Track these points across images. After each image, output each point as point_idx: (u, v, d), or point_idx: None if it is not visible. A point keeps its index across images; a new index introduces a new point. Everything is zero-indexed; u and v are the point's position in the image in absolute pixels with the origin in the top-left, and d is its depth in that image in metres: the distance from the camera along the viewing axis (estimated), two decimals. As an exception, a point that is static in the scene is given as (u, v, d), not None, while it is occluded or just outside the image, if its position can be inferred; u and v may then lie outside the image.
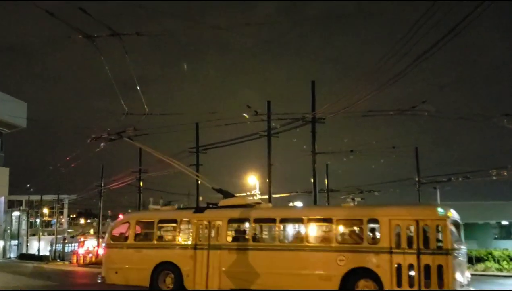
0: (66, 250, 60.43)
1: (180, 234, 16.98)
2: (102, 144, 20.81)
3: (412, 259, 13.33)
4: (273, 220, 15.67)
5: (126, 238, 17.49)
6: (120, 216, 18.90)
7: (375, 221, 14.17)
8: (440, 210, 14.00)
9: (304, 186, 45.40)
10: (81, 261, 46.65)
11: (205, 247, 16.08)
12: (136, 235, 17.47)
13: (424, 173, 39.87)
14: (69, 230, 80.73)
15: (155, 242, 17.03)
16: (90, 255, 47.13)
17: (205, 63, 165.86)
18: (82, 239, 51.92)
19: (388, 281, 13.32)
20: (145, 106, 19.14)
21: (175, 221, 17.20)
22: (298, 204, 61.25)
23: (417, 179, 38.53)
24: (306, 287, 14.31)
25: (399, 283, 13.23)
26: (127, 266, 17.01)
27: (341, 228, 14.87)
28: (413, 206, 15.85)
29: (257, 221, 16.03)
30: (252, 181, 50.01)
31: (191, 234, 16.58)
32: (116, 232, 18.13)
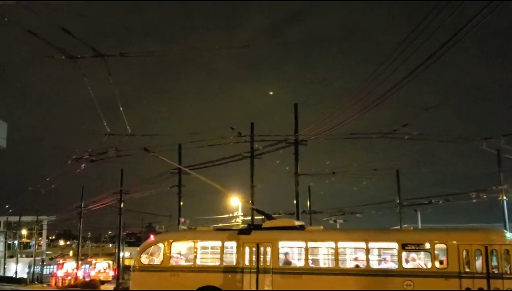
0: (44, 272, 59.23)
1: (224, 257, 15.76)
2: (83, 165, 20.60)
3: (482, 283, 13.47)
4: (331, 244, 15.11)
5: (161, 261, 16.18)
6: (151, 237, 17.54)
7: (443, 245, 14.21)
8: (508, 235, 14.45)
9: (287, 208, 45.35)
10: (60, 284, 45.86)
11: (254, 270, 15.21)
12: (172, 258, 16.26)
13: (405, 195, 40.15)
14: (47, 252, 79.32)
15: (196, 265, 15.82)
16: (69, 277, 46.33)
17: (189, 84, 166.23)
18: (61, 261, 51.01)
19: None
20: (128, 127, 19.06)
21: (218, 243, 15.99)
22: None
23: (398, 201, 38.75)
24: None
25: None
26: (164, 290, 15.69)
27: (407, 252, 14.61)
28: (480, 231, 15.40)
29: (313, 244, 15.43)
30: (235, 202, 49.86)
31: (236, 257, 15.57)
32: (147, 254, 16.68)
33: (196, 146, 26.47)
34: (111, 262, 49.24)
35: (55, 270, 51.47)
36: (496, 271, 13.54)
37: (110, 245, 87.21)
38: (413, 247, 14.60)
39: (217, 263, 15.79)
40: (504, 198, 34.10)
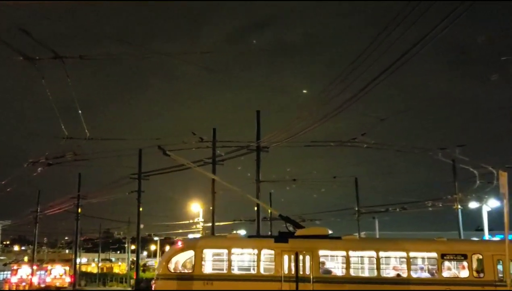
0: (-3, 279, 57.55)
1: (261, 265, 15.21)
2: (39, 169, 20.15)
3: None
4: (372, 253, 15.21)
5: (192, 269, 15.30)
6: (179, 243, 16.17)
7: (480, 256, 14.89)
8: None
9: (248, 214, 45.48)
10: (14, 290, 44.59)
11: (293, 279, 14.86)
12: (204, 265, 15.43)
13: (363, 203, 40.84)
14: (1, 258, 77.03)
15: (231, 273, 15.13)
16: (24, 283, 45.14)
17: (151, 89, 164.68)
18: (15, 267, 49.66)
19: None
20: (86, 131, 18.77)
21: (254, 250, 15.38)
22: (242, 232, 61.18)
23: (356, 209, 39.39)
24: None
25: None
26: None
27: (447, 262, 15.14)
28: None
29: (354, 253, 15.29)
30: (196, 208, 49.64)
31: (275, 265, 15.07)
32: (175, 261, 15.75)
33: (157, 151, 26.22)
34: (67, 268, 48.21)
35: (8, 276, 50.09)
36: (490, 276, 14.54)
37: (67, 251, 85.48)
38: (452, 257, 15.17)
39: (254, 272, 15.23)
40: (459, 206, 35.12)
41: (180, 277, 15.31)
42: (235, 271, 15.29)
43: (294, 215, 49.31)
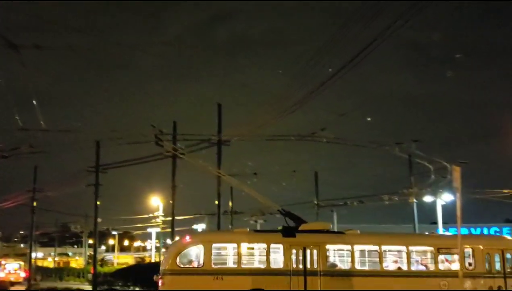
0: None
1: (271, 259, 15.41)
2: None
3: (500, 282, 15.96)
4: (375, 247, 15.94)
5: (201, 264, 15.17)
6: (187, 238, 15.89)
7: (471, 250, 16.21)
8: None
9: (209, 208, 45.39)
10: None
11: (301, 273, 15.21)
12: (214, 260, 15.33)
13: (322, 197, 41.38)
14: (-49, 253, 74.43)
15: (241, 268, 15.20)
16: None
17: (109, 81, 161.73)
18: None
19: None
20: (42, 122, 18.33)
21: (263, 245, 15.56)
22: (202, 226, 61.14)
23: (316, 202, 39.87)
24: None
25: None
26: None
27: (442, 256, 16.31)
28: (497, 237, 18.96)
29: (359, 247, 15.93)
30: (156, 202, 49.22)
31: (284, 259, 15.37)
32: (184, 256, 15.52)
33: (115, 143, 25.89)
34: (22, 263, 47.09)
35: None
36: (510, 271, 16.21)
37: (22, 245, 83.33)
38: (447, 251, 16.34)
39: (264, 266, 15.38)
40: (414, 200, 36.03)
41: (190, 272, 15.19)
42: (245, 266, 15.36)
43: (254, 209, 49.77)
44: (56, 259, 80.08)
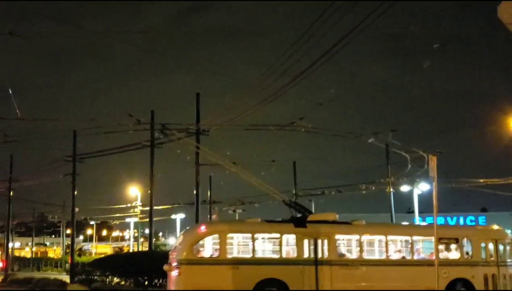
0: None
1: (284, 249, 15.63)
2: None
3: (494, 270, 16.98)
4: (382, 237, 16.50)
5: (218, 253, 15.14)
6: (203, 227, 15.86)
7: (469, 240, 17.23)
8: (509, 232, 18.66)
9: (187, 198, 45.37)
10: None
11: (312, 262, 15.42)
12: (229, 250, 15.35)
13: (300, 186, 41.59)
14: None
15: (255, 257, 15.25)
16: None
17: (86, 69, 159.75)
18: None
19: (480, 288, 16.47)
20: (17, 111, 18.08)
21: (277, 235, 15.72)
22: (181, 216, 61.04)
23: (294, 192, 40.08)
24: None
25: (487, 289, 16.54)
26: (221, 284, 14.70)
27: (442, 245, 16.88)
28: (490, 228, 19.26)
29: (366, 237, 16.50)
30: (134, 192, 49.01)
31: (296, 249, 15.59)
32: (201, 246, 15.51)
33: (92, 132, 25.65)
34: (-1, 253, 46.59)
35: None
36: (503, 260, 17.28)
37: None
38: (447, 241, 17.15)
39: (277, 256, 15.55)
40: (391, 189, 36.49)
41: (206, 261, 15.17)
42: (259, 255, 15.59)
43: (233, 198, 49.87)
44: (34, 249, 79.32)
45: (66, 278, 29.75)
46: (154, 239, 36.50)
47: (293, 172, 39.83)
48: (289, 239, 15.84)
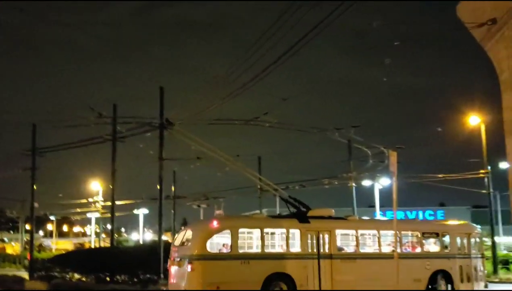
0: None
1: (290, 244, 16.10)
2: None
3: (468, 262, 18.68)
4: (375, 232, 17.64)
5: (230, 249, 15.42)
6: (215, 223, 15.76)
7: (447, 234, 18.89)
8: (479, 227, 20.34)
9: (150, 193, 44.95)
10: None
11: (315, 256, 16.17)
12: (240, 245, 15.58)
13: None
14: None
15: (264, 252, 15.70)
16: None
17: (47, 61, 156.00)
18: None
19: (457, 279, 18.14)
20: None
21: (283, 230, 16.28)
22: (144, 211, 60.47)
23: (259, 186, 40.17)
24: (406, 288, 16.69)
25: (462, 280, 18.25)
26: (233, 279, 14.98)
27: (425, 239, 18.67)
28: (464, 223, 21.13)
29: (362, 232, 17.49)
30: (96, 187, 48.28)
31: (301, 244, 16.20)
32: (213, 241, 15.64)
33: (52, 126, 25.11)
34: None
35: None
36: (474, 252, 19.06)
37: (-46, 231, 79.93)
38: (429, 235, 18.84)
39: (284, 250, 16.06)
40: (353, 184, 37.06)
41: (219, 257, 15.45)
42: (268, 250, 15.99)
43: (197, 193, 49.70)
44: (-9, 245, 77.23)
45: (25, 274, 29.12)
46: (116, 235, 36.09)
47: (258, 167, 39.90)
48: (295, 234, 16.37)
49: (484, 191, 30.40)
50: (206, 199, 48.86)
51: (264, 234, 15.89)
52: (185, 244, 15.74)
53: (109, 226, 44.09)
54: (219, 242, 15.83)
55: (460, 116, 31.61)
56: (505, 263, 30.82)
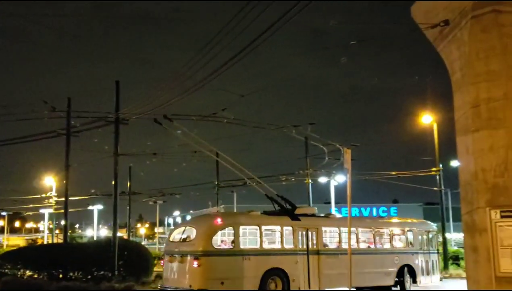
0: None
1: (284, 240, 16.91)
2: None
3: (427, 257, 20.80)
4: (353, 229, 18.34)
5: (233, 245, 16.03)
6: (219, 220, 16.29)
7: (411, 231, 20.74)
8: (434, 225, 22.74)
9: (105, 188, 44.27)
10: None
11: (305, 252, 17.16)
12: (241, 242, 16.24)
13: (223, 177, 41.76)
14: None
15: (263, 248, 16.48)
16: None
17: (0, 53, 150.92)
18: None
19: (419, 273, 20.20)
20: None
21: (278, 227, 17.08)
22: (98, 207, 59.40)
23: (216, 183, 40.18)
24: (379, 282, 19.05)
25: (422, 273, 20.30)
26: (236, 274, 15.59)
27: (394, 237, 20.36)
28: (423, 222, 23.12)
29: (343, 229, 18.26)
30: (49, 182, 47.17)
31: (293, 240, 17.05)
32: (218, 237, 16.26)
33: (2, 119, 24.28)
34: None
35: None
36: (431, 248, 21.26)
37: None
38: (397, 233, 20.47)
39: (279, 246, 16.94)
40: (310, 181, 37.51)
41: (224, 253, 16.03)
42: (265, 246, 16.80)
43: (153, 189, 49.25)
44: None
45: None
46: (70, 231, 35.34)
47: (216, 162, 39.83)
48: (287, 231, 17.20)
49: (435, 188, 31.28)
50: (162, 195, 48.52)
51: (262, 231, 16.63)
52: (187, 240, 16.18)
53: (63, 222, 43.14)
54: (217, 238, 16.37)
55: (414, 116, 32.43)
56: (456, 258, 31.86)
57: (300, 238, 17.23)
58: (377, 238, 19.76)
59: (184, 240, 16.35)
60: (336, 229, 18.59)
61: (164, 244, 17.30)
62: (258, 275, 15.86)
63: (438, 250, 22.34)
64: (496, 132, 10.24)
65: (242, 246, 16.13)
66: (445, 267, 29.17)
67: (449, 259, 30.48)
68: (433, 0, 11.49)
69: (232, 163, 19.59)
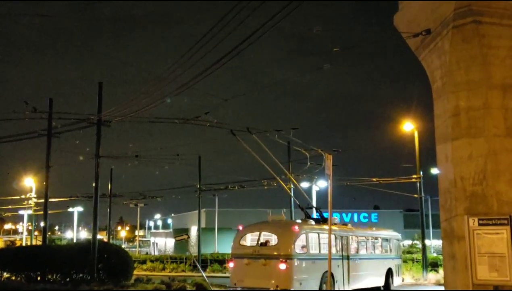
0: None
1: (332, 246, 17.93)
2: None
3: (397, 261, 24.06)
4: (364, 238, 21.87)
5: (305, 250, 17.91)
6: (296, 228, 18.01)
7: (391, 240, 24.01)
8: (399, 234, 25.93)
9: (86, 190, 43.93)
10: None
11: (340, 257, 19.51)
12: (310, 247, 18.18)
13: (205, 180, 41.69)
14: None
15: (323, 253, 17.95)
16: None
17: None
18: None
19: (395, 274, 23.23)
20: None
21: (326, 235, 17.82)
22: (79, 209, 58.81)
23: (198, 186, 40.06)
24: (375, 283, 21.76)
25: (396, 275, 23.34)
26: (307, 276, 17.62)
27: (383, 244, 23.32)
28: (386, 229, 25.92)
29: (360, 238, 21.53)
30: (29, 183, 46.65)
31: (335, 247, 18.95)
32: (298, 243, 17.85)
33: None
34: None
35: None
36: (398, 254, 24.41)
37: None
38: (375, 239, 22.89)
39: (326, 251, 17.93)
40: (292, 186, 37.55)
41: (303, 257, 17.80)
42: (322, 251, 18.37)
43: (135, 192, 48.86)
44: None
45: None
46: (49, 233, 34.89)
47: (198, 166, 39.77)
48: (332, 237, 18.32)
49: (416, 195, 31.55)
50: (144, 198, 48.26)
51: (320, 238, 18.59)
52: (268, 244, 17.93)
53: (42, 224, 42.64)
54: (298, 244, 18.08)
55: (396, 123, 32.71)
56: (434, 265, 32.16)
57: (337, 245, 19.47)
58: (375, 245, 22.86)
59: (264, 244, 17.97)
60: (356, 237, 21.17)
61: (232, 248, 18.87)
62: (318, 277, 17.84)
63: (401, 255, 25.89)
64: (476, 141, 10.39)
65: (311, 251, 18.13)
66: (425, 274, 29.43)
67: (428, 266, 30.75)
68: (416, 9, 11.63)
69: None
